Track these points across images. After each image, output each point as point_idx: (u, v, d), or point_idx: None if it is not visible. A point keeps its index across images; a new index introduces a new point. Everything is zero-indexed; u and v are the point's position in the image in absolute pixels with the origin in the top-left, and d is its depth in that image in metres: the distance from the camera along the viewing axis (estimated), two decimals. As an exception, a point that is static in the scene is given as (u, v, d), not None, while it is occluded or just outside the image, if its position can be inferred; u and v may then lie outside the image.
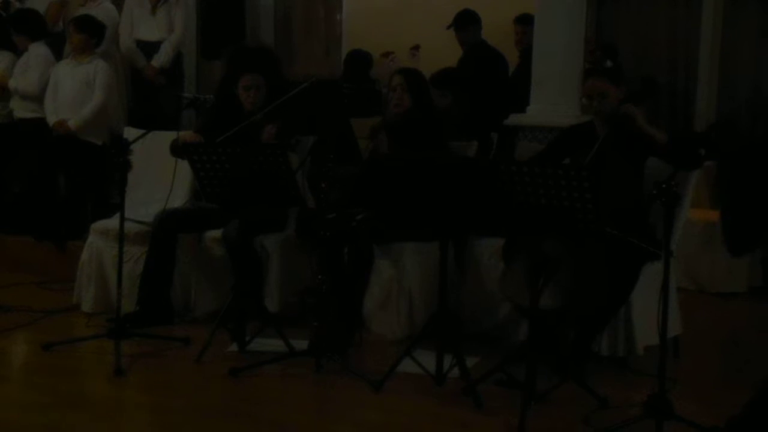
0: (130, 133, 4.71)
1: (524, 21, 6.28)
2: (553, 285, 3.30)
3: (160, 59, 6.17)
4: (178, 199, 4.56)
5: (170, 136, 4.42)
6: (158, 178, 4.64)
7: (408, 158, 3.56)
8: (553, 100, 5.21)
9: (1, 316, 4.44)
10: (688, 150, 3.49)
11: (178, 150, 4.01)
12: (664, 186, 2.88)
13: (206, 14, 7.64)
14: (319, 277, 3.67)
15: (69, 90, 5.54)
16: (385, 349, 3.95)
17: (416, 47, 7.47)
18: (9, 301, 4.66)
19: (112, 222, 4.52)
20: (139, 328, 3.99)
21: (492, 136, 4.90)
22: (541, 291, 3.19)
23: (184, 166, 3.96)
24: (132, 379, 3.62)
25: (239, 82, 4.30)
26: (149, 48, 6.19)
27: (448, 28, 6.23)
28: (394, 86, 4.26)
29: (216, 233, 4.29)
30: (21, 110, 5.83)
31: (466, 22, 6.18)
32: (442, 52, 6.41)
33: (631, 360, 3.71)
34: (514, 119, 5.36)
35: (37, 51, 5.83)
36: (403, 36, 7.62)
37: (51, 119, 5.55)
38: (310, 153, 3.90)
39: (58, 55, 5.97)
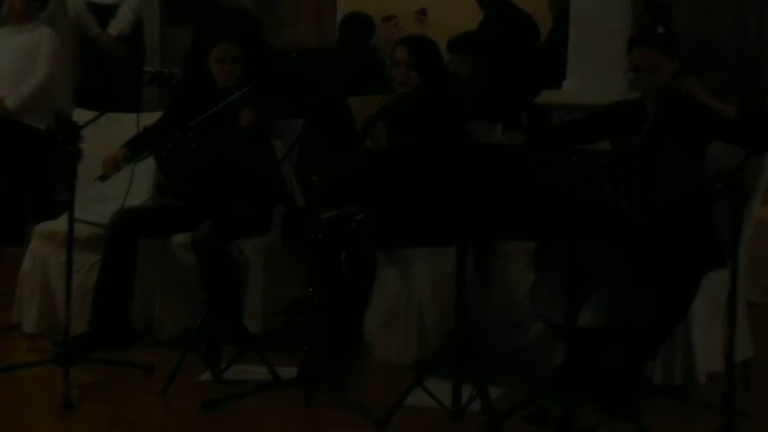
0: (80, 115, 4.67)
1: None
2: (595, 299, 3.31)
3: (118, 26, 6.21)
4: (139, 195, 4.56)
5: (128, 119, 4.44)
6: (114, 170, 4.68)
7: (417, 145, 3.56)
8: (594, 73, 5.22)
9: None
10: (762, 129, 3.48)
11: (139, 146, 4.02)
12: (730, 177, 2.88)
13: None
14: (311, 289, 3.68)
15: (6, 62, 5.60)
16: (391, 378, 3.94)
17: (423, 11, 7.46)
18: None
19: (59, 224, 4.51)
20: (92, 353, 4.00)
21: (521, 117, 4.90)
22: (580, 306, 3.19)
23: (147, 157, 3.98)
24: (83, 414, 3.61)
25: (211, 54, 4.31)
26: (103, 12, 6.24)
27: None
28: (397, 60, 4.25)
29: (185, 237, 4.30)
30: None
31: None
32: (456, 17, 6.41)
33: (690, 390, 3.71)
34: (546, 96, 5.37)
35: None
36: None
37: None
38: (299, 139, 3.91)
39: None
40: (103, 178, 4.22)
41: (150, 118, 4.51)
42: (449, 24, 5.81)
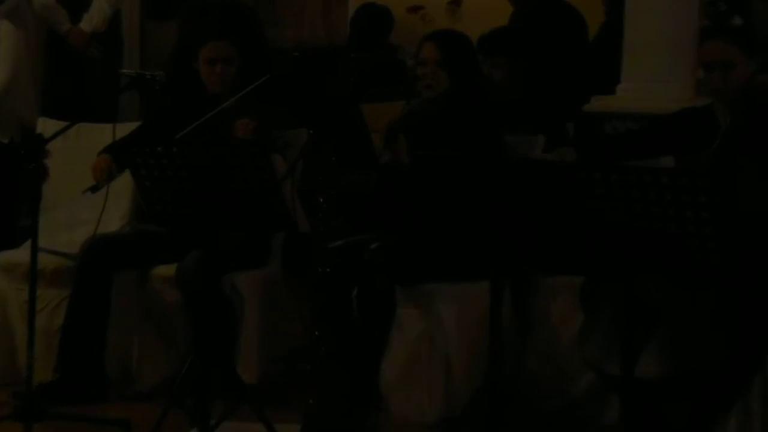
0: (46, 125, 4.75)
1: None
2: (655, 345, 3.30)
3: (92, 21, 6.25)
4: (115, 220, 4.61)
5: (103, 130, 4.46)
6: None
7: (443, 160, 3.56)
8: (655, 76, 5.22)
9: None
10: None
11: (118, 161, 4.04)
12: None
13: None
14: (316, 333, 3.68)
15: (-42, 65, 5.62)
16: (412, 438, 3.94)
17: (457, 1, 7.49)
18: None
19: (20, 254, 4.55)
20: (58, 407, 4.00)
21: (566, 128, 4.90)
22: (638, 353, 3.17)
23: (124, 175, 4.01)
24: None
25: (200, 54, 4.35)
26: (75, 4, 6.28)
27: None
28: (424, 59, 4.27)
29: (168, 269, 4.33)
30: None
31: None
32: (495, 11, 6.41)
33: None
34: (597, 103, 5.37)
35: None
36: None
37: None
38: (303, 154, 3.92)
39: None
40: (95, 189, 4.22)
41: (128, 128, 4.56)
42: (486, 18, 5.79)
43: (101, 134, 4.55)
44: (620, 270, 3.26)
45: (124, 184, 4.38)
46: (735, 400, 3.61)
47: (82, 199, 4.69)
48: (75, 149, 4.73)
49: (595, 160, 3.96)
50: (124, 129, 4.48)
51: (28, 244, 4.01)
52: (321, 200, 3.61)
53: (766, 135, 3.61)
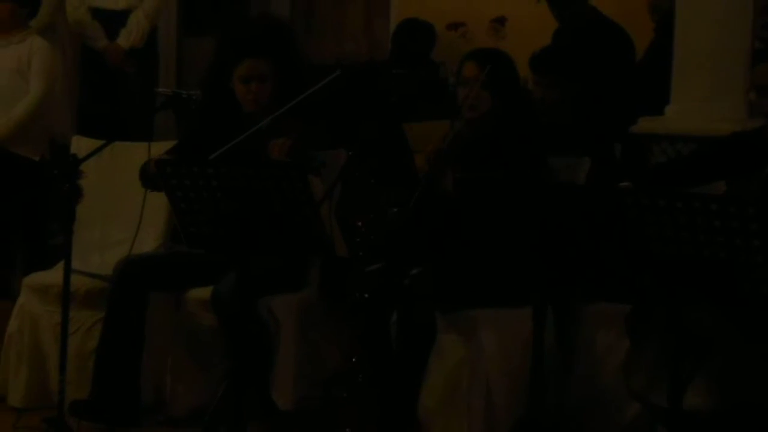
0: (80, 143, 4.79)
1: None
2: (705, 376, 3.28)
3: (130, 36, 6.28)
4: (149, 241, 4.63)
5: (138, 149, 4.48)
6: (120, 210, 4.74)
7: (485, 183, 3.57)
8: (705, 97, 5.18)
9: None
10: None
11: (152, 178, 4.06)
12: None
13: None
14: (354, 359, 3.69)
15: (-7, 82, 5.70)
16: (452, 469, 3.94)
17: (501, 19, 7.44)
18: None
19: (53, 275, 4.56)
20: (91, 429, 4.04)
21: (614, 150, 4.88)
22: (687, 384, 3.15)
23: (159, 195, 4.01)
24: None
25: (235, 72, 4.36)
26: (112, 19, 6.33)
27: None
28: (465, 78, 4.27)
29: (203, 292, 4.33)
30: None
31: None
32: (540, 29, 6.37)
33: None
34: (645, 124, 5.34)
35: None
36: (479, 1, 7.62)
37: (-33, 124, 5.70)
38: (341, 176, 3.93)
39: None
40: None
41: (163, 147, 4.56)
42: (531, 38, 5.73)
43: (136, 153, 4.55)
44: (668, 299, 3.26)
45: (158, 204, 4.38)
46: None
47: (116, 219, 4.76)
48: (109, 168, 4.76)
49: (642, 185, 3.95)
50: (160, 148, 4.46)
51: (60, 265, 4.03)
52: (359, 224, 3.62)
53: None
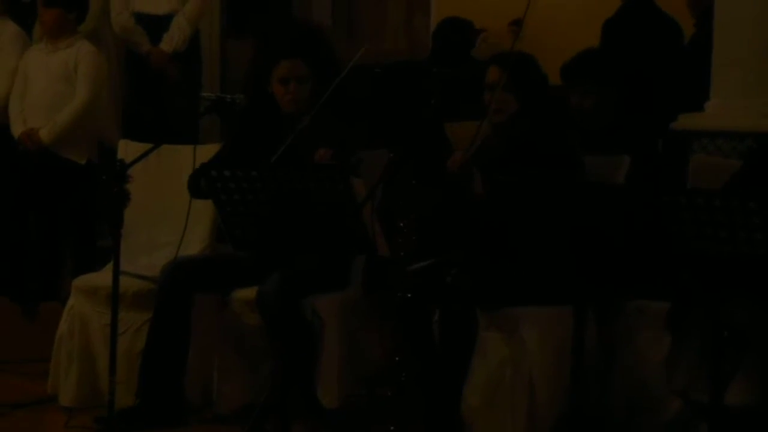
0: (126, 148, 4.85)
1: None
2: (746, 372, 3.28)
3: (173, 40, 6.30)
4: (195, 243, 4.67)
5: (183, 152, 4.53)
6: (166, 213, 4.79)
7: (522, 184, 3.58)
8: (747, 90, 5.13)
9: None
10: None
11: (200, 188, 4.08)
12: None
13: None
14: (397, 358, 3.71)
15: (40, 87, 5.75)
16: (495, 465, 3.95)
17: (517, 21, 7.37)
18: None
19: (102, 277, 4.61)
20: (139, 430, 4.07)
21: (656, 146, 4.84)
22: (728, 381, 3.16)
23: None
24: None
25: (273, 73, 4.39)
26: (155, 24, 6.36)
27: None
28: (490, 83, 4.25)
29: (248, 293, 4.35)
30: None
31: None
32: (558, 32, 6.30)
33: None
34: (685, 121, 5.30)
35: (5, 28, 6.04)
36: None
37: (16, 128, 5.76)
38: (383, 177, 3.95)
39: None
40: None
41: (208, 150, 4.59)
42: (550, 40, 5.68)
43: (182, 156, 4.59)
44: (709, 294, 3.26)
45: (204, 206, 4.41)
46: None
47: (162, 222, 4.80)
48: (155, 171, 4.79)
49: (679, 184, 3.94)
50: (205, 151, 4.51)
51: (109, 267, 4.07)
52: (401, 224, 3.63)
53: None
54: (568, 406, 3.56)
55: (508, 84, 4.18)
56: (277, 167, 3.76)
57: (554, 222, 3.40)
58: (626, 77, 5.10)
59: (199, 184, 4.17)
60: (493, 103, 4.20)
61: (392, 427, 3.68)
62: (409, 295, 3.77)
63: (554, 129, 4.26)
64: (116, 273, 3.90)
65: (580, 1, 6.32)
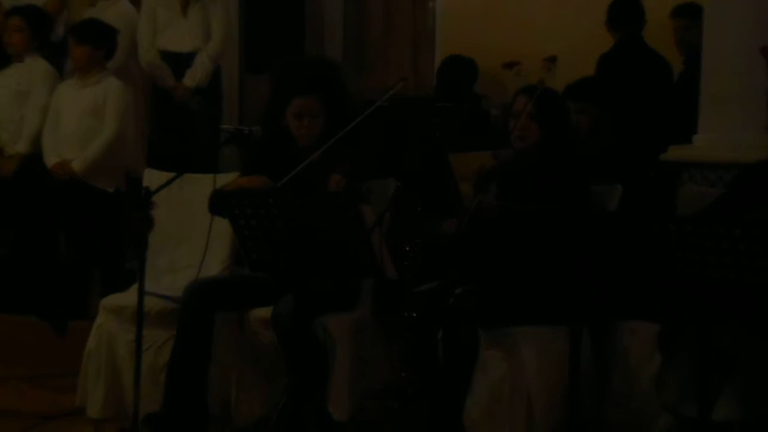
0: (151, 176, 4.86)
1: (685, 13, 6.27)
2: (732, 389, 3.26)
3: (196, 76, 6.34)
4: (215, 265, 4.67)
5: (204, 181, 4.54)
6: (188, 237, 4.79)
7: (525, 211, 3.58)
8: (733, 125, 5.13)
9: (-21, 423, 4.62)
10: None
11: (221, 205, 4.10)
12: None
13: (253, 13, 7.84)
14: (403, 374, 3.70)
15: (71, 120, 5.78)
16: (496, 476, 3.93)
17: (552, 58, 7.34)
18: (-10, 402, 4.84)
19: (128, 297, 4.62)
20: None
21: (649, 176, 4.84)
22: (716, 397, 3.14)
23: (223, 222, 4.05)
24: None
25: (287, 109, 4.40)
26: (178, 60, 6.39)
27: (610, 25, 6.24)
28: (517, 111, 4.27)
29: (265, 312, 4.35)
30: (11, 144, 6.03)
31: (626, 18, 6.16)
32: (590, 68, 6.25)
33: None
34: (675, 152, 5.31)
35: (37, 66, 6.07)
36: (530, 40, 7.50)
37: (50, 159, 5.79)
38: (391, 204, 3.95)
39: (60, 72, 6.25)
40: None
41: (227, 179, 4.56)
42: (581, 75, 5.65)
43: (202, 184, 4.57)
44: (697, 317, 3.25)
45: (223, 230, 4.36)
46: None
47: (184, 245, 4.81)
48: (178, 198, 4.79)
49: (669, 212, 3.93)
50: (224, 179, 4.49)
51: (134, 287, 4.07)
52: (407, 249, 3.63)
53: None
54: (564, 419, 3.54)
55: (533, 113, 4.20)
56: (291, 195, 3.76)
57: (553, 248, 3.39)
58: (620, 108, 5.12)
59: (218, 205, 4.18)
60: (517, 129, 4.21)
61: (399, 439, 3.67)
62: (415, 315, 3.76)
63: (571, 161, 4.26)
64: (141, 293, 3.91)
65: (611, 40, 6.31)
